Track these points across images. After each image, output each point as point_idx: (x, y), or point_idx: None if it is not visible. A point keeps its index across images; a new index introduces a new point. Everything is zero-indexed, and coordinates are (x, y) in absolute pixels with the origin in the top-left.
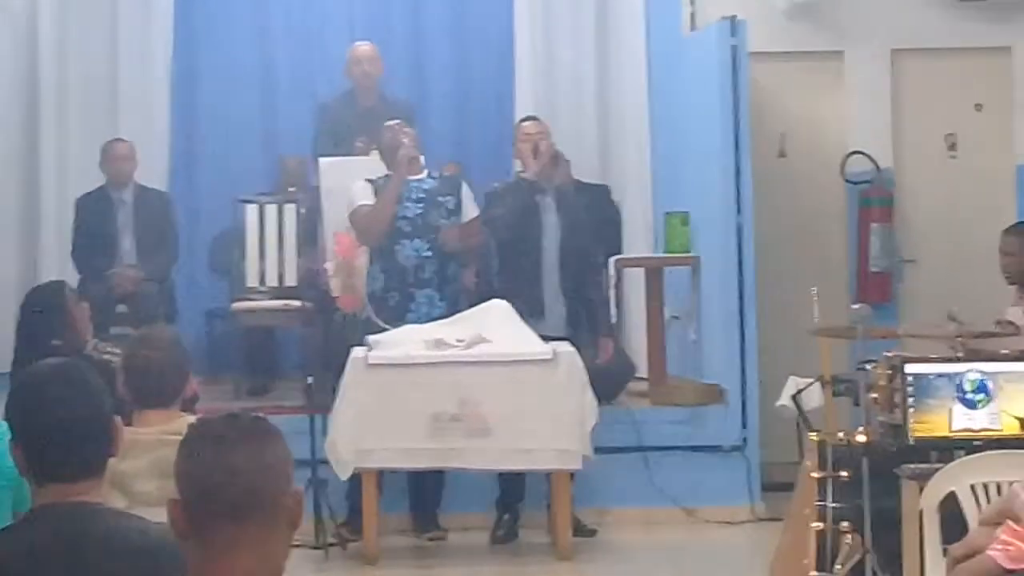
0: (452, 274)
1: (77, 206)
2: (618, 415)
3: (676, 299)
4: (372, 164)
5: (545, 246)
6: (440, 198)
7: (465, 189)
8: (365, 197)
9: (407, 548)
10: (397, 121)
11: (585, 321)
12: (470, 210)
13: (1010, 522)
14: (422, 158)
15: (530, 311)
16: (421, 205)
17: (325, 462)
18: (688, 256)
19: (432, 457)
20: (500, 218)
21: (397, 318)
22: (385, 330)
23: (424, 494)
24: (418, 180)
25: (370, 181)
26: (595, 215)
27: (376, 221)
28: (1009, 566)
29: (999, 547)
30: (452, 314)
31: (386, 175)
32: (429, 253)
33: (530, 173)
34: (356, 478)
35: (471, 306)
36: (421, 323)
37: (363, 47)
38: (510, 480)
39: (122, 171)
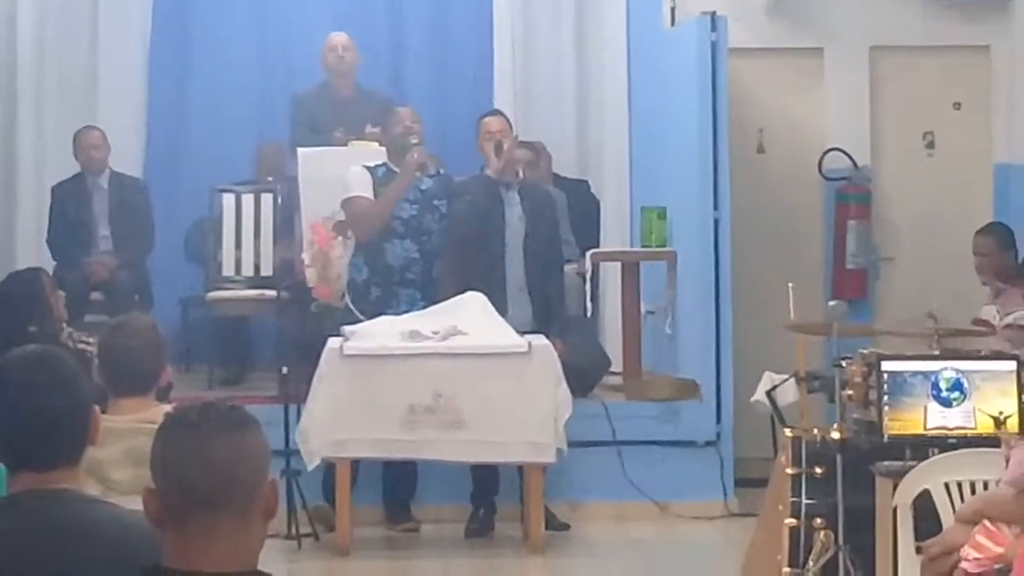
0: (436, 275)
1: (53, 193)
2: (592, 409)
3: (652, 294)
4: (350, 155)
5: (509, 242)
6: (435, 201)
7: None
8: (362, 186)
9: (380, 539)
10: (407, 108)
11: (542, 318)
12: None
13: (986, 522)
14: (428, 159)
15: (494, 307)
16: (416, 206)
17: (299, 452)
18: (665, 251)
19: (406, 448)
20: (462, 213)
21: (377, 312)
22: (361, 321)
23: (397, 486)
24: (417, 179)
25: (368, 169)
26: (574, 209)
27: (373, 218)
28: (973, 570)
29: (969, 558)
30: None
31: (383, 164)
32: (417, 255)
33: (492, 171)
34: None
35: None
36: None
37: (338, 36)
38: (484, 473)
39: (93, 159)
